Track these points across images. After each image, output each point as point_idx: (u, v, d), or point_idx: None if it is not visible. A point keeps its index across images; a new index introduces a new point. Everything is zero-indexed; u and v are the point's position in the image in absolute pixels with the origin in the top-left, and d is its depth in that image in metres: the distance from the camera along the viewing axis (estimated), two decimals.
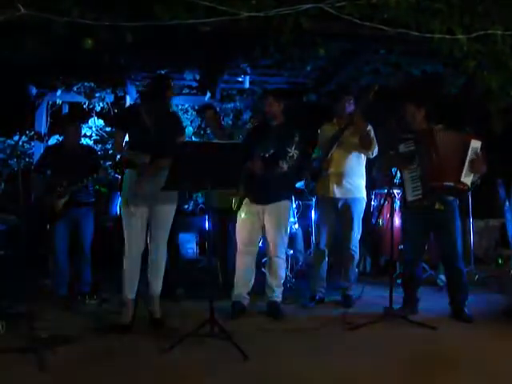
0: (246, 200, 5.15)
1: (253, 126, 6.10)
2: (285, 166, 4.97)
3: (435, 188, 4.85)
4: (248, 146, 5.05)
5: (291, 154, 4.99)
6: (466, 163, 4.79)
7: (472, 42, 4.64)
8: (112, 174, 5.62)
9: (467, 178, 4.81)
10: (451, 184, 4.83)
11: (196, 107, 9.02)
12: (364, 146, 5.37)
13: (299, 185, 6.00)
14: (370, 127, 5.49)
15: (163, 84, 4.73)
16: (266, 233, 5.17)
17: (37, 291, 5.49)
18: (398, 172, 5.36)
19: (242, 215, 5.19)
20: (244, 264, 5.16)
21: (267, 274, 5.22)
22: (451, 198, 4.97)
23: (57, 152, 5.80)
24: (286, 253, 6.04)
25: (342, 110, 5.49)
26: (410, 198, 4.98)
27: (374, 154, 5.45)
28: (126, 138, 4.81)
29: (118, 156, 4.97)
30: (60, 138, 7.85)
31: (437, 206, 4.93)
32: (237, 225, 5.24)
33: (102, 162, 6.04)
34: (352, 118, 5.29)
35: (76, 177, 5.47)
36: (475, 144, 4.83)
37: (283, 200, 5.18)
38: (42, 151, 7.61)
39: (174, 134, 4.76)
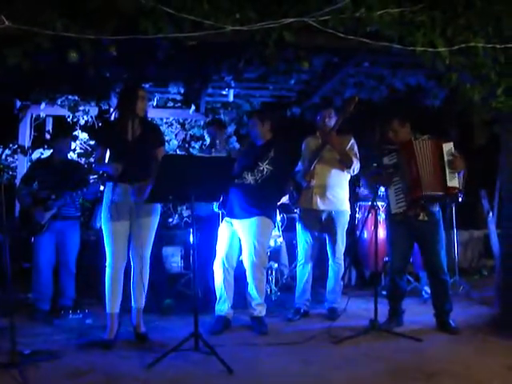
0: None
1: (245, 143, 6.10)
2: (249, 178, 4.97)
3: (421, 199, 4.89)
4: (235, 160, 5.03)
5: (261, 168, 4.98)
6: (446, 167, 4.83)
7: (454, 55, 4.68)
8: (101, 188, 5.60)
9: (453, 181, 4.84)
10: (441, 193, 4.87)
11: (181, 120, 9.02)
12: (343, 163, 5.40)
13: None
14: (352, 141, 5.53)
15: (131, 95, 4.65)
16: (242, 248, 5.12)
17: (19, 306, 5.44)
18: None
19: (221, 229, 5.19)
20: (222, 277, 5.11)
21: (246, 292, 5.16)
22: (435, 209, 5.00)
23: (45, 165, 5.79)
24: (270, 267, 6.05)
25: (322, 124, 5.51)
26: (394, 210, 5.02)
27: (356, 172, 5.47)
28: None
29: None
30: (43, 152, 7.80)
31: (421, 218, 4.97)
32: (218, 238, 5.22)
33: (89, 176, 6.02)
34: (330, 134, 5.32)
35: (63, 191, 5.46)
36: (447, 147, 4.88)
37: (258, 216, 5.03)
38: (25, 165, 7.59)
39: (154, 145, 4.74)
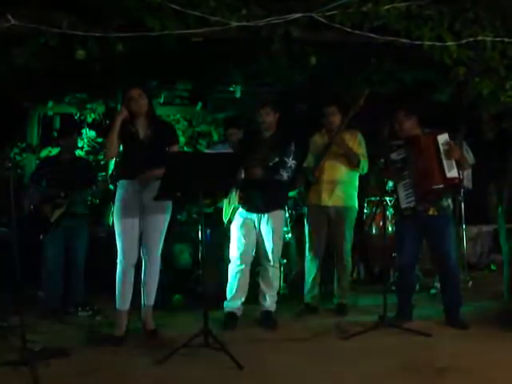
0: (241, 210, 5.13)
1: (243, 138, 6.05)
2: (285, 175, 4.99)
3: (428, 193, 4.87)
4: (243, 155, 5.02)
5: (289, 164, 5.02)
6: (443, 158, 4.78)
7: (462, 49, 4.66)
8: (111, 186, 5.61)
9: (452, 172, 4.79)
10: (442, 186, 4.84)
11: (188, 117, 8.99)
12: (350, 163, 5.40)
13: (292, 193, 5.99)
14: (360, 137, 5.52)
15: (124, 98, 4.67)
16: (263, 242, 5.14)
17: (29, 303, 5.45)
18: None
19: (237, 225, 5.17)
20: (239, 274, 5.13)
21: (261, 283, 5.20)
22: (445, 203, 4.97)
23: (53, 163, 5.81)
24: (279, 262, 6.05)
25: (327, 122, 5.51)
26: (403, 205, 4.99)
27: (365, 170, 5.46)
28: None
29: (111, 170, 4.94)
30: (52, 150, 7.82)
31: (430, 212, 4.95)
32: (231, 235, 5.22)
33: (97, 174, 6.03)
34: (337, 131, 5.31)
35: (72, 188, 5.47)
36: (442, 138, 4.83)
37: (280, 209, 5.19)
38: (34, 163, 7.61)
39: (168, 143, 4.74)
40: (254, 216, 5.12)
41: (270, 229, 5.10)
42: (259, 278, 5.25)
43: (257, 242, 5.20)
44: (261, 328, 5.03)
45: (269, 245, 5.12)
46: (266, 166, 4.96)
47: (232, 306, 5.13)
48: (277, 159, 4.99)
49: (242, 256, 5.13)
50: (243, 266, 5.14)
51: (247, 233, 5.14)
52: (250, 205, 5.09)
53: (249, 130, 5.51)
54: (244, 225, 5.14)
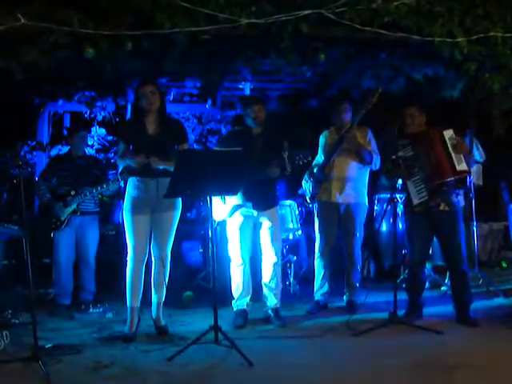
0: (242, 208, 5.10)
1: (232, 132, 6.02)
2: (289, 170, 4.97)
3: (440, 186, 4.86)
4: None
5: (287, 160, 5.00)
6: (451, 152, 4.81)
7: (473, 45, 4.65)
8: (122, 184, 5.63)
9: (462, 165, 4.81)
10: (453, 178, 4.85)
11: (197, 114, 8.99)
12: (363, 160, 5.39)
13: (300, 191, 5.99)
14: (370, 134, 5.49)
15: (135, 93, 4.72)
16: (265, 239, 5.12)
17: (40, 301, 5.49)
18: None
19: (237, 224, 5.14)
20: (242, 273, 5.13)
21: (265, 282, 5.18)
22: (456, 199, 4.96)
23: (63, 161, 5.83)
24: (289, 259, 6.06)
25: (338, 120, 5.50)
26: (416, 201, 4.97)
27: (378, 166, 5.43)
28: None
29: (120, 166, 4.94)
30: (62, 148, 7.85)
31: (442, 207, 4.93)
32: (230, 234, 5.19)
33: (107, 171, 6.04)
34: (349, 128, 5.30)
35: (83, 186, 5.49)
36: (448, 134, 4.86)
37: (277, 205, 5.22)
38: (44, 161, 7.64)
39: (177, 141, 4.75)
40: (256, 213, 5.09)
41: (272, 225, 5.09)
42: (262, 277, 5.20)
43: (257, 241, 5.19)
44: (270, 325, 5.04)
45: (272, 242, 5.10)
46: (278, 163, 4.95)
47: (241, 304, 5.14)
48: (285, 156, 4.98)
49: (244, 255, 5.13)
50: (245, 265, 5.15)
51: (248, 231, 5.13)
52: (254, 202, 5.07)
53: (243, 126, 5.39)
54: (245, 223, 5.12)
